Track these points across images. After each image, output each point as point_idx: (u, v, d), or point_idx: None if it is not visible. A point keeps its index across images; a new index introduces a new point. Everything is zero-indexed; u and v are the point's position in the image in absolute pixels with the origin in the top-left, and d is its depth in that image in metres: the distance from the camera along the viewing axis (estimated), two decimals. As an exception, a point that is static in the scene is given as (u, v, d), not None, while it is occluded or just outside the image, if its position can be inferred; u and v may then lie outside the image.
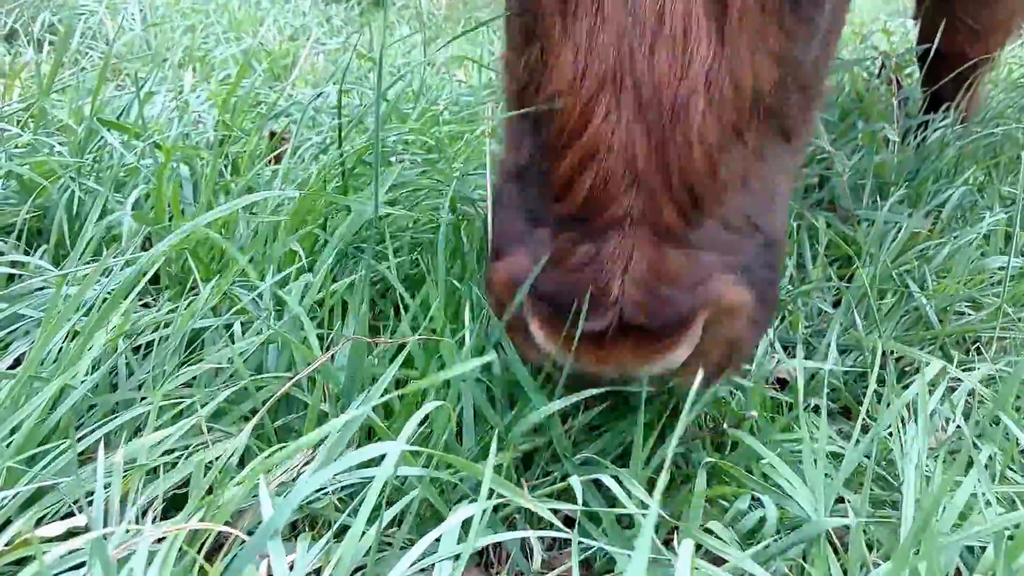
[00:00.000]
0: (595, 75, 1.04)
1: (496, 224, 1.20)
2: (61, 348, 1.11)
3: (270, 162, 1.85)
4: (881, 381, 1.46)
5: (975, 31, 2.20)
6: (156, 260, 1.07)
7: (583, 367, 1.03)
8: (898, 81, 2.59)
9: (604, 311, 0.99)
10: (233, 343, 1.15)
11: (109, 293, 1.18)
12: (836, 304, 1.73)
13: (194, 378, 1.11)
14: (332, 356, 0.99)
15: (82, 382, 1.03)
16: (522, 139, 1.19)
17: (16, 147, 1.50)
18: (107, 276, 1.20)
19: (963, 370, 1.41)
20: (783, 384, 1.50)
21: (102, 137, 1.60)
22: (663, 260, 1.02)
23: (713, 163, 1.05)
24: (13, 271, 1.31)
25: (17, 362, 1.17)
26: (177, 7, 3.16)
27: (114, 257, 1.17)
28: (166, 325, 1.17)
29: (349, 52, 3.15)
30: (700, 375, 0.99)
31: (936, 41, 2.17)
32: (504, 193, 1.22)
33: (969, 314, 1.71)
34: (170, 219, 1.37)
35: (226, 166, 1.70)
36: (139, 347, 1.19)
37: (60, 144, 1.53)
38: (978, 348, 1.65)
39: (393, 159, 1.84)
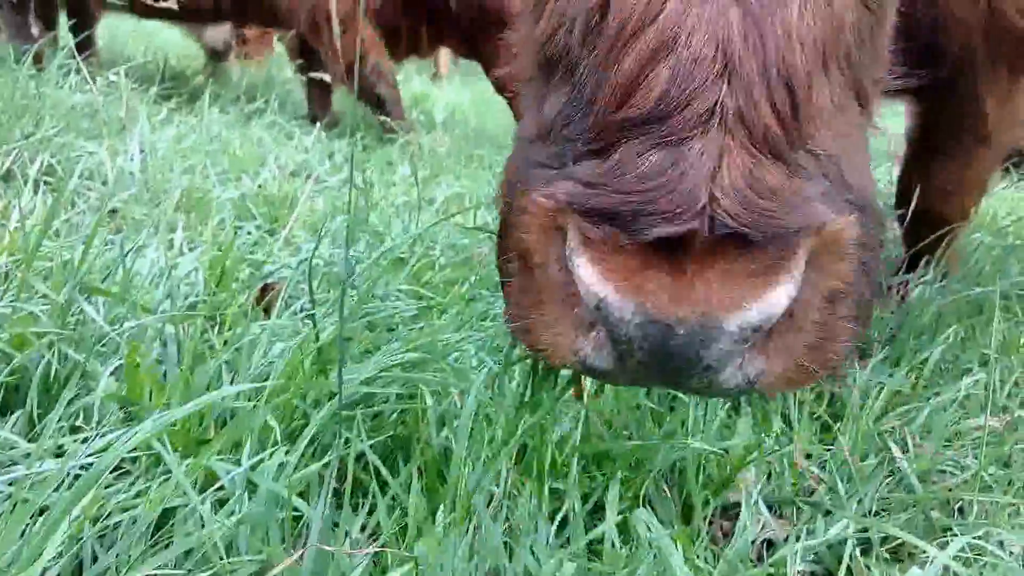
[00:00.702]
0: None
1: (515, 183, 1.00)
2: (25, 529, 1.09)
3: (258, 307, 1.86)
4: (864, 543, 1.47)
5: (950, 192, 2.27)
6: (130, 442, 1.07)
7: (649, 313, 0.82)
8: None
9: (689, 218, 0.81)
10: (205, 523, 1.14)
11: (83, 468, 1.18)
12: (821, 465, 1.73)
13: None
14: (301, 556, 0.98)
15: (45, 569, 1.02)
16: (547, 90, 1.04)
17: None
18: (81, 452, 1.20)
19: (941, 543, 1.41)
20: (766, 545, 1.49)
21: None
22: (761, 169, 0.85)
23: (812, 63, 0.90)
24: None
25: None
26: (178, 147, 3.20)
27: (84, 441, 1.17)
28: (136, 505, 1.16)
29: (346, 189, 3.21)
30: (785, 361, 0.86)
31: (913, 203, 2.23)
32: (522, 156, 1.05)
33: (953, 473, 1.71)
34: (150, 393, 1.37)
35: (212, 325, 1.71)
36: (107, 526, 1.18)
37: (42, 308, 1.54)
38: (960, 508, 1.64)
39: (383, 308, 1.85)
